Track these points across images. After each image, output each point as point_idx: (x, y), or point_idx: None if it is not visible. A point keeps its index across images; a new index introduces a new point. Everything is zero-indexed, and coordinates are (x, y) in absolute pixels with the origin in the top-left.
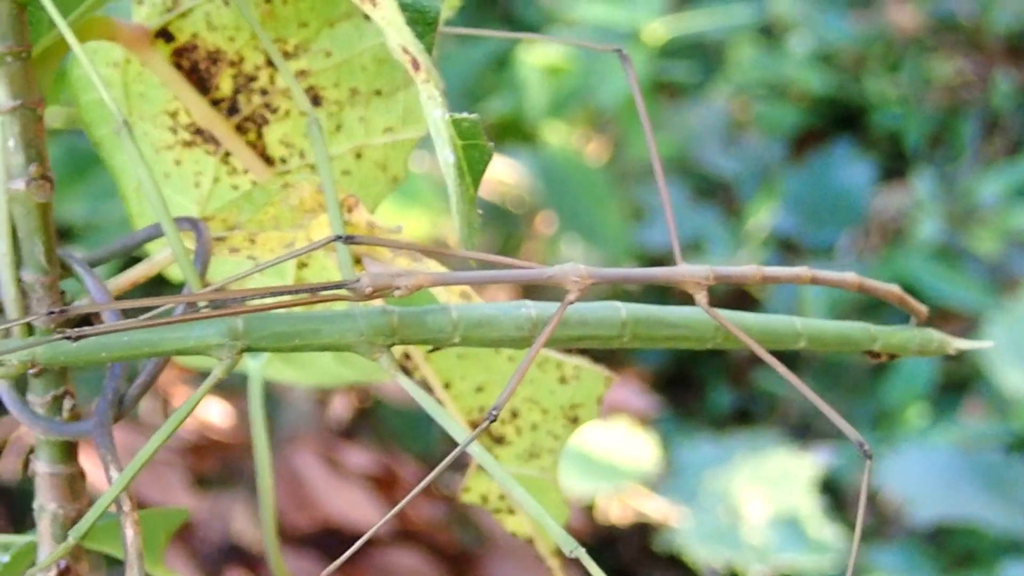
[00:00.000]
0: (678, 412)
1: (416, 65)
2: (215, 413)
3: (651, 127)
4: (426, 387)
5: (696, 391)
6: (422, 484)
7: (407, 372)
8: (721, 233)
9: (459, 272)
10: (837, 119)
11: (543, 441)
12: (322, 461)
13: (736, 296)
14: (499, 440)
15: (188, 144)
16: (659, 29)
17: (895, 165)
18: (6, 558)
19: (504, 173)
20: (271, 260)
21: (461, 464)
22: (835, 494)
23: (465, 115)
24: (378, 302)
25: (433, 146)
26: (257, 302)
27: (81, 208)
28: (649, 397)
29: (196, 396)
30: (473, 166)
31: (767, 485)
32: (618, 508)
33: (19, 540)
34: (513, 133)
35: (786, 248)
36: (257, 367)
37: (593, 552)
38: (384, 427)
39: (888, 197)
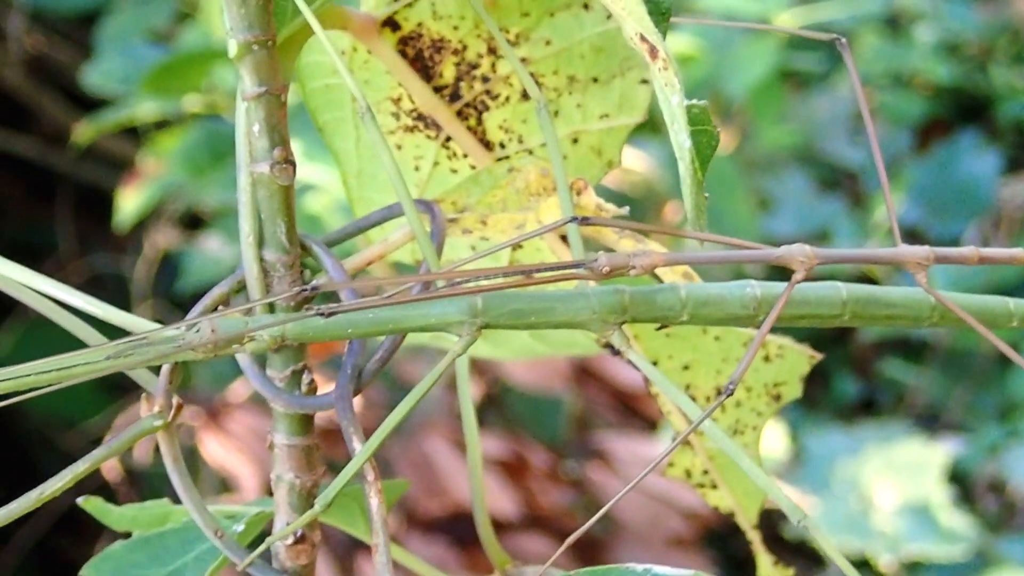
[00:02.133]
0: (804, 402)
1: (654, 53)
2: None
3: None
4: (633, 366)
5: (821, 381)
6: (662, 456)
7: (616, 351)
8: (847, 223)
9: (690, 252)
10: (963, 109)
11: (747, 418)
12: (452, 447)
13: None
14: (714, 411)
15: (410, 129)
16: (787, 20)
17: (1022, 156)
18: (240, 527)
19: (633, 163)
20: (507, 241)
21: (588, 451)
22: (963, 484)
23: (695, 102)
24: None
25: None
26: (493, 281)
27: (216, 194)
28: None
29: (436, 372)
30: (701, 151)
31: (897, 474)
32: None
33: (251, 510)
34: (642, 123)
35: (912, 238)
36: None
37: (720, 539)
38: (512, 413)
39: (1015, 188)
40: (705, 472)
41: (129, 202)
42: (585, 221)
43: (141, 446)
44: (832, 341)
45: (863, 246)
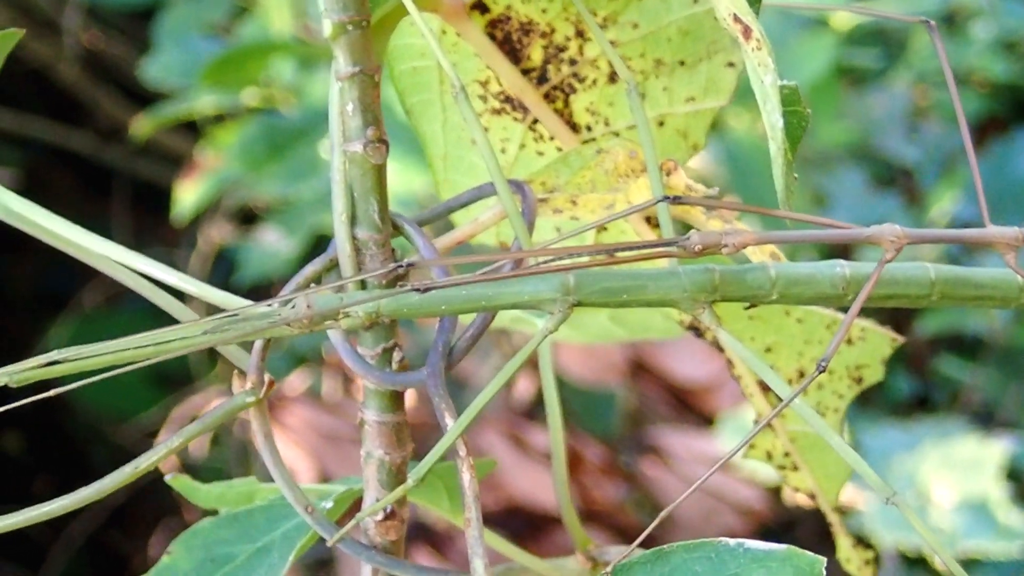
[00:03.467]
0: (858, 398)
1: (747, 33)
2: None
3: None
4: (717, 347)
5: None
6: (750, 436)
7: (699, 332)
8: (903, 220)
9: (780, 232)
10: (1020, 107)
11: (828, 400)
12: (507, 441)
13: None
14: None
15: (497, 112)
16: (845, 16)
17: None
18: (329, 504)
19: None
20: (598, 220)
21: (643, 445)
22: (1019, 481)
23: (786, 83)
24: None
25: None
26: (584, 259)
27: (273, 187)
28: None
29: (527, 349)
30: (792, 131)
31: (954, 471)
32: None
33: (338, 488)
34: None
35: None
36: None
37: (773, 535)
38: (567, 408)
39: None
40: (786, 454)
41: (187, 195)
42: (677, 200)
43: (198, 440)
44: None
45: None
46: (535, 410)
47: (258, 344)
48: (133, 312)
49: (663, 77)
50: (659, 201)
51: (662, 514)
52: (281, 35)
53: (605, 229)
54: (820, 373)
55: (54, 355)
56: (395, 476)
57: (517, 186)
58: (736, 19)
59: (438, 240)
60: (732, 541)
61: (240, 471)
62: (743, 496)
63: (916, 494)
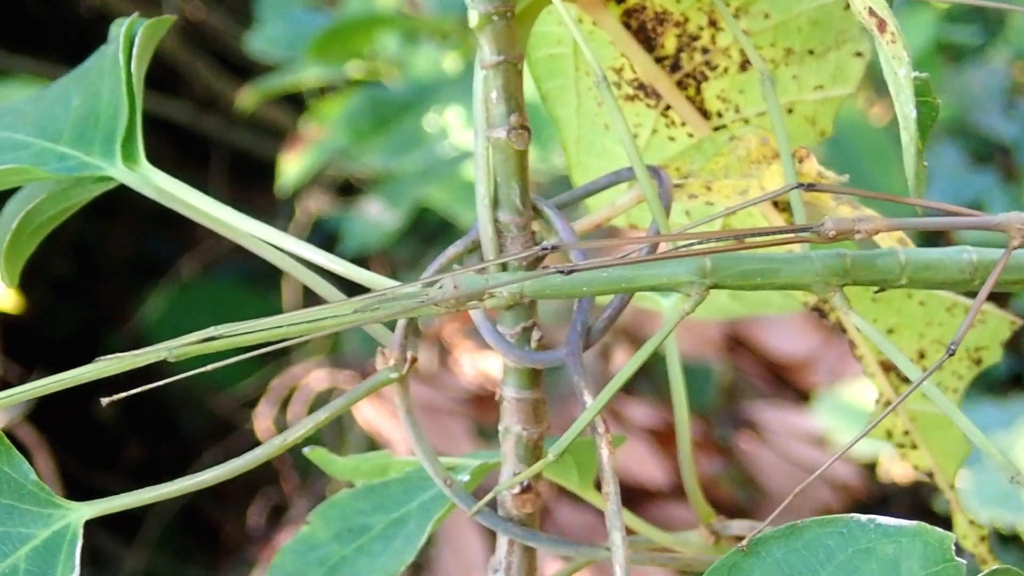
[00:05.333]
0: None
1: (882, 26)
2: (494, 365)
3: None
4: (840, 328)
5: None
6: (881, 416)
7: (823, 313)
8: (1001, 197)
9: (910, 219)
10: None
11: (948, 381)
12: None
13: None
14: (906, 380)
15: (630, 98)
16: None
17: None
18: (466, 476)
19: None
20: (735, 206)
21: (739, 420)
22: None
23: (918, 74)
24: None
25: None
26: (710, 244)
27: (378, 160)
28: None
29: (665, 330)
30: (922, 121)
31: None
32: (900, 467)
33: (473, 462)
34: None
35: None
36: (670, 305)
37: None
38: (663, 382)
39: None
40: (906, 433)
41: (291, 167)
42: (810, 188)
43: (295, 407)
44: None
45: None
46: (633, 383)
47: (401, 323)
48: (230, 281)
49: (793, 65)
50: (793, 188)
51: (798, 489)
52: (386, 9)
53: (734, 214)
54: (950, 356)
55: (211, 331)
56: (532, 451)
57: (654, 171)
58: (871, 13)
59: (576, 223)
60: (863, 517)
61: (335, 444)
62: (838, 472)
63: (1011, 472)
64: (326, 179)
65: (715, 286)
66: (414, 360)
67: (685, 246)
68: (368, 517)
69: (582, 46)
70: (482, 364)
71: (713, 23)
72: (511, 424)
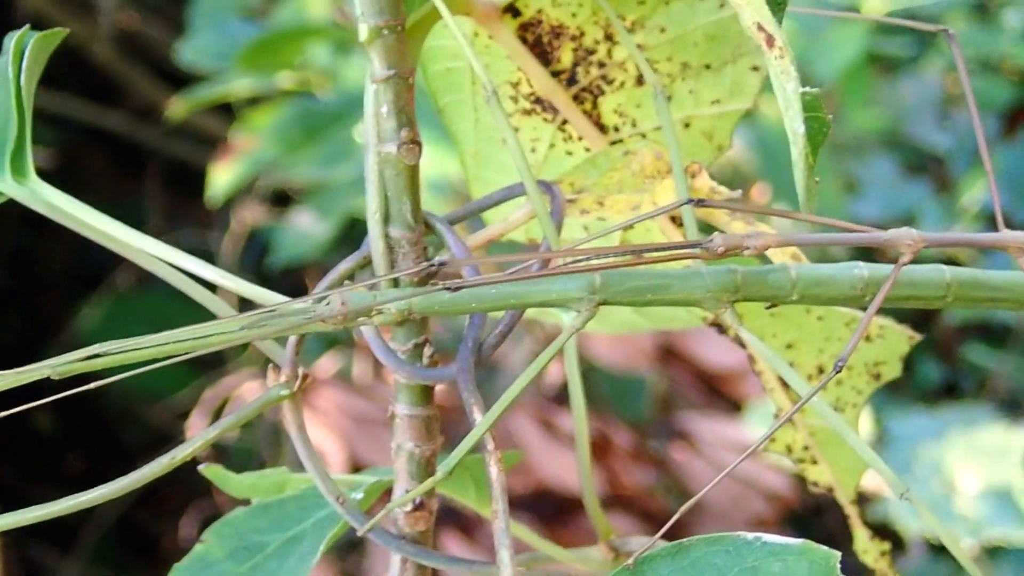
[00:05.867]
0: (887, 385)
1: (771, 41)
2: None
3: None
4: (740, 343)
5: (905, 365)
6: (770, 432)
7: (722, 328)
8: (934, 208)
9: (801, 234)
10: None
11: (847, 396)
12: (537, 425)
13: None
14: (823, 388)
15: (527, 112)
16: (877, 5)
17: None
18: (360, 494)
19: None
20: (624, 221)
21: (672, 431)
22: None
23: (808, 89)
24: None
25: None
26: (607, 260)
27: (308, 171)
28: None
29: (555, 346)
30: (813, 136)
31: (981, 459)
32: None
33: (368, 479)
34: None
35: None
36: (571, 319)
37: (800, 521)
38: (597, 393)
39: None
40: (806, 448)
41: (221, 177)
42: (700, 203)
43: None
44: (916, 326)
45: (949, 230)
46: (565, 395)
47: (292, 339)
48: (165, 293)
49: (689, 80)
50: (683, 204)
51: (686, 505)
52: (317, 19)
53: (631, 228)
54: (837, 372)
55: (95, 349)
56: (424, 468)
57: (546, 186)
58: (760, 27)
59: (469, 238)
60: (750, 535)
61: (271, 453)
62: (771, 482)
63: (941, 482)
64: (262, 189)
65: (605, 302)
66: (305, 377)
67: (576, 262)
68: (263, 535)
69: (473, 62)
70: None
71: (609, 37)
72: (403, 441)
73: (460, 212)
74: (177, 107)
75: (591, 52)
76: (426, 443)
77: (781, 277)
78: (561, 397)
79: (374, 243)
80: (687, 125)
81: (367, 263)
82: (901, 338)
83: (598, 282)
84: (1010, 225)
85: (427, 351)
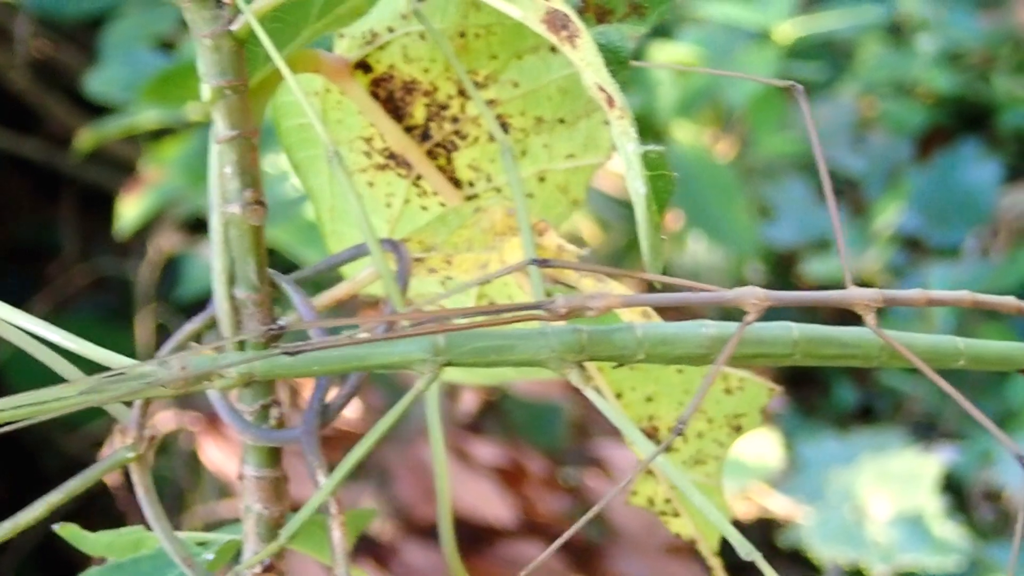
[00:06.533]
0: (802, 409)
1: (611, 102)
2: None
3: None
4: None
5: (820, 388)
6: (619, 488)
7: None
8: (848, 231)
9: (646, 295)
10: (964, 118)
11: (708, 448)
12: (451, 454)
13: None
14: (667, 448)
15: (381, 167)
16: (789, 29)
17: (1022, 164)
18: (211, 555)
19: None
20: (471, 281)
21: (586, 458)
22: (958, 493)
23: (652, 147)
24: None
25: None
26: (456, 321)
27: None
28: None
29: (399, 407)
30: (659, 195)
31: (892, 484)
32: (743, 504)
33: (222, 538)
34: (643, 131)
35: (912, 247)
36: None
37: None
38: (511, 421)
39: (1015, 196)
40: (667, 500)
41: (130, 209)
42: (544, 263)
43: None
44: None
45: (863, 254)
46: (479, 423)
47: (138, 402)
48: (84, 318)
49: (543, 134)
50: (526, 264)
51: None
52: None
53: (490, 284)
54: (678, 435)
55: None
56: (274, 530)
57: (393, 245)
58: (600, 88)
59: (318, 298)
60: None
61: (189, 480)
62: None
63: (853, 508)
64: (179, 215)
65: (449, 363)
66: (152, 439)
67: (419, 324)
68: None
69: (314, 122)
70: None
71: (463, 92)
72: (251, 503)
73: (307, 272)
74: (85, 139)
75: (444, 107)
76: (274, 505)
77: (627, 336)
78: (475, 425)
79: (219, 304)
80: (542, 179)
81: (215, 323)
82: (761, 390)
83: (441, 344)
84: (924, 249)
85: (274, 412)
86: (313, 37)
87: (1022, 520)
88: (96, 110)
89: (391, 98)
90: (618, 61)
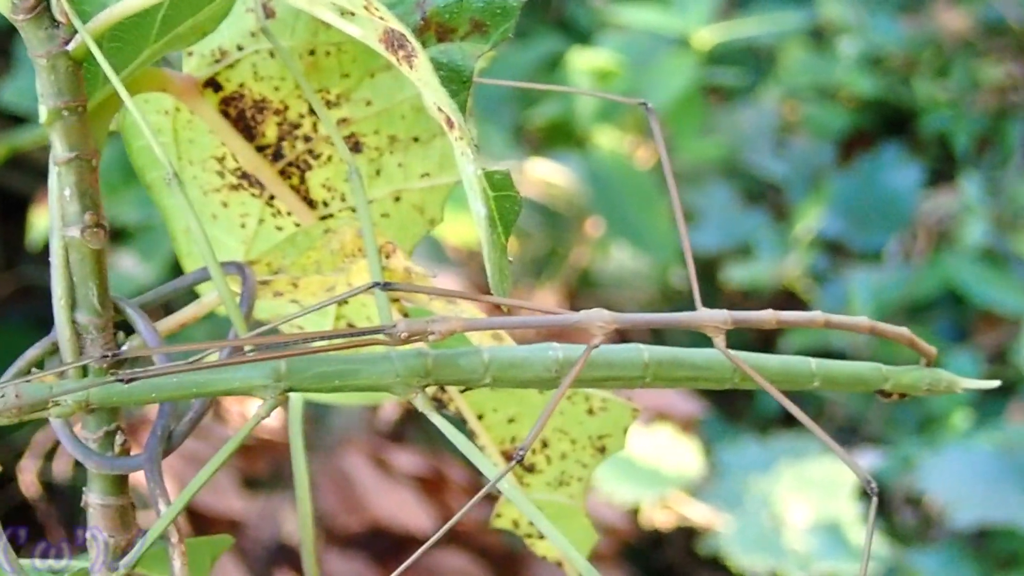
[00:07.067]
0: (724, 414)
1: (450, 123)
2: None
3: (673, 181)
4: (460, 418)
5: (745, 394)
6: (453, 520)
7: (442, 403)
8: (770, 236)
9: (490, 318)
10: (886, 122)
11: (572, 469)
12: (371, 463)
13: (785, 301)
14: (530, 469)
15: (235, 187)
16: (707, 35)
17: (943, 168)
18: None
19: (554, 176)
20: (313, 306)
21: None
22: (879, 497)
23: (497, 168)
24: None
25: None
26: (299, 346)
27: (134, 211)
28: (695, 401)
29: (238, 438)
30: (504, 216)
31: (810, 490)
32: (662, 513)
33: (76, 565)
34: (563, 137)
35: (834, 251)
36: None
37: (639, 555)
38: (432, 429)
39: (936, 200)
40: (531, 523)
41: (42, 220)
42: (387, 287)
43: (60, 461)
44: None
45: (784, 259)
46: (399, 432)
47: None
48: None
49: (398, 153)
50: (370, 287)
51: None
52: None
53: (347, 303)
54: (518, 462)
55: None
56: (120, 559)
57: (238, 268)
58: (440, 109)
59: (162, 322)
60: None
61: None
62: (605, 516)
63: (771, 515)
64: None
65: (291, 389)
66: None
67: (260, 349)
68: None
69: (154, 145)
70: (250, 413)
71: (314, 111)
72: (96, 532)
73: (151, 296)
74: None
75: (296, 126)
76: (120, 533)
77: (473, 360)
78: (395, 434)
79: (60, 330)
80: (397, 199)
81: (57, 349)
82: (624, 411)
83: (283, 369)
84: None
85: (118, 439)
86: (155, 57)
87: (868, 544)
88: (16, 118)
89: (242, 117)
90: (460, 80)
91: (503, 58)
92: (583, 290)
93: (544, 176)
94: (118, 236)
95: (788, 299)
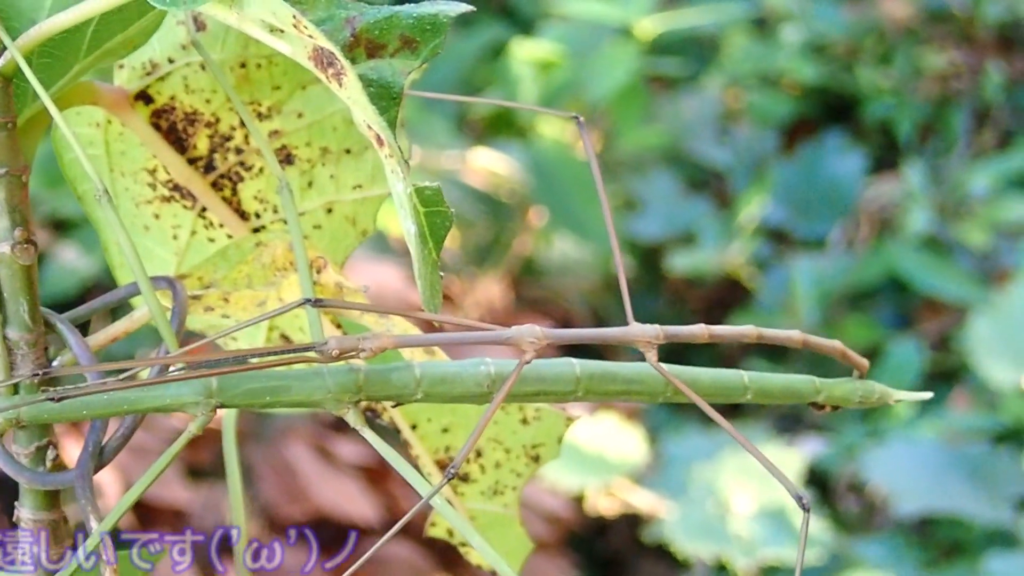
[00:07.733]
0: (665, 403)
1: (380, 141)
2: None
3: (603, 191)
4: (394, 428)
5: None
6: (392, 531)
7: (376, 413)
8: (714, 224)
9: (421, 335)
10: (829, 110)
11: (506, 479)
12: (314, 453)
13: (728, 289)
14: (464, 478)
15: (167, 199)
16: (650, 25)
17: (886, 156)
18: None
19: (497, 166)
20: (243, 323)
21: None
22: (824, 486)
23: (427, 184)
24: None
25: None
26: (230, 363)
27: (76, 204)
28: None
29: (170, 453)
30: (435, 232)
31: (754, 478)
32: (607, 500)
33: None
34: (506, 126)
35: (777, 239)
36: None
37: (583, 543)
38: (375, 420)
39: (879, 188)
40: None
41: None
42: (318, 303)
43: None
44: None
45: (728, 247)
46: (343, 422)
47: None
48: None
49: (330, 165)
50: (301, 303)
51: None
52: None
53: (281, 316)
54: (450, 479)
55: None
56: (52, 574)
57: (168, 283)
58: (369, 127)
59: (93, 338)
60: None
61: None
62: (549, 504)
63: (716, 502)
64: (43, 217)
65: (223, 405)
66: None
67: (191, 366)
68: None
69: (83, 161)
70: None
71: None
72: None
73: (82, 311)
74: None
75: (228, 138)
76: (52, 548)
77: (405, 375)
78: (339, 424)
79: None
80: (330, 211)
81: None
82: (558, 420)
83: (214, 386)
84: (788, 241)
85: (50, 454)
86: (85, 71)
87: (801, 553)
88: None
89: (173, 129)
90: (390, 97)
91: (446, 47)
92: (526, 278)
93: (487, 165)
94: (60, 227)
95: (732, 287)
